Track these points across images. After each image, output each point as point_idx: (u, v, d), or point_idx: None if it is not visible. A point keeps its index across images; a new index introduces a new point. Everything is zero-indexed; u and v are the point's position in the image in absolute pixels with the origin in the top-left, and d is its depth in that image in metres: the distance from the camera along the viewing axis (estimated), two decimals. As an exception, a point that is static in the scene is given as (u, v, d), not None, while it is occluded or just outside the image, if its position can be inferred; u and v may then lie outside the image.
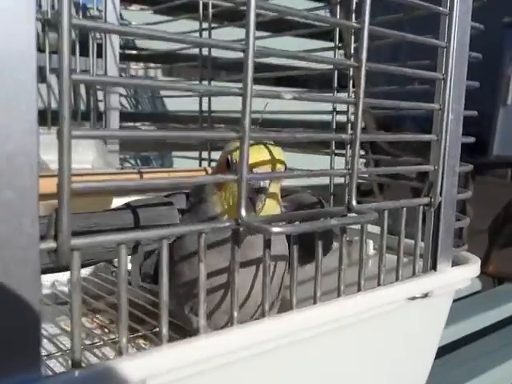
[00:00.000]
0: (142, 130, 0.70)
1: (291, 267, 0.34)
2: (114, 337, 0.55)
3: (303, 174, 0.32)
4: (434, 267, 0.42)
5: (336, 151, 0.60)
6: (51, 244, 0.23)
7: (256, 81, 0.27)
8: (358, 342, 0.39)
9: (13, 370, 0.22)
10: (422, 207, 0.41)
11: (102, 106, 0.83)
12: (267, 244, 0.30)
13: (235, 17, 0.74)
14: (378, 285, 0.39)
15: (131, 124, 0.85)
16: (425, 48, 0.39)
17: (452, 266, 0.43)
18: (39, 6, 0.75)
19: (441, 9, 0.38)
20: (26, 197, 0.21)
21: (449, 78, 0.39)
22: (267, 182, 0.36)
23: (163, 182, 0.24)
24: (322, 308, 0.34)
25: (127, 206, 0.41)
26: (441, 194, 0.41)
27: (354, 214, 0.34)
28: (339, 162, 0.59)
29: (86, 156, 0.77)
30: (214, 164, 0.73)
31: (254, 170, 0.37)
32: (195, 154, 0.75)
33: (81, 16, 0.80)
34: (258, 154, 0.37)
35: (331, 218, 0.30)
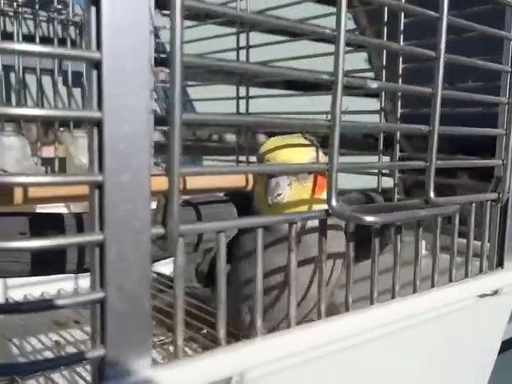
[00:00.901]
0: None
1: (372, 262, 0.33)
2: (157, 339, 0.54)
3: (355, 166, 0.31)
4: (500, 264, 0.42)
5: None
6: (160, 230, 0.22)
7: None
8: (430, 338, 0.38)
9: (127, 356, 0.21)
10: (489, 203, 0.40)
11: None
12: (351, 235, 0.29)
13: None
14: (450, 281, 0.38)
15: (163, 128, 0.84)
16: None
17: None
18: (73, 10, 0.75)
19: (505, 33, 0.38)
20: (140, 179, 0.21)
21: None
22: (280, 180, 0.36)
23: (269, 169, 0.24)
24: (400, 303, 0.33)
25: (187, 202, 0.41)
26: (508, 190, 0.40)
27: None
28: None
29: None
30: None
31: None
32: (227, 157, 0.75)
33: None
34: (281, 152, 0.37)
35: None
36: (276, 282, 0.41)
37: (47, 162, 0.76)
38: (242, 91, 0.72)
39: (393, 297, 0.34)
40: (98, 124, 0.20)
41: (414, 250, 0.35)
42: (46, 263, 0.34)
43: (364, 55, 1.26)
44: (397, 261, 0.34)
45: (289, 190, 0.37)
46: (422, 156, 0.49)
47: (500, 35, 0.38)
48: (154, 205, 0.22)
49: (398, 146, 0.53)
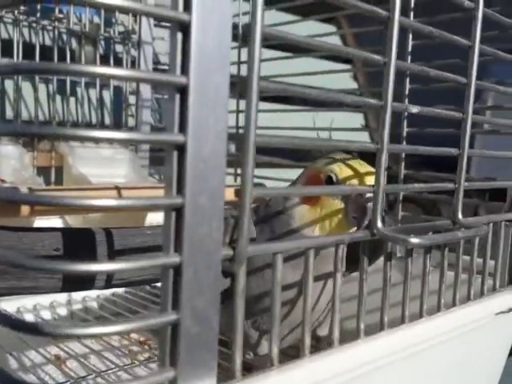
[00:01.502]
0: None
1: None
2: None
3: (418, 187, 0.32)
4: (511, 283, 0.43)
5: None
6: (229, 251, 0.22)
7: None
8: (447, 356, 0.39)
9: (196, 377, 0.21)
10: (503, 223, 0.42)
11: (130, 120, 0.83)
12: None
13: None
14: (468, 299, 0.39)
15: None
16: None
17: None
18: (79, 19, 0.75)
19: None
20: (216, 199, 0.21)
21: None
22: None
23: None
24: (428, 322, 0.34)
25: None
26: (519, 211, 0.42)
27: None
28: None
29: (119, 170, 0.76)
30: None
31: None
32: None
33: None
34: (361, 168, 0.38)
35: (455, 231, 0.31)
36: (284, 298, 0.41)
37: (43, 172, 0.75)
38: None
39: (420, 316, 0.35)
40: (180, 147, 0.20)
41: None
42: (77, 280, 0.34)
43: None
44: (425, 281, 0.35)
45: None
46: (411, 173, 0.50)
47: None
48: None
49: (403, 163, 0.55)
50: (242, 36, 0.71)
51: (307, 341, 0.28)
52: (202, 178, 0.21)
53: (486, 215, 0.39)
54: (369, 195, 0.35)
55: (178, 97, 0.20)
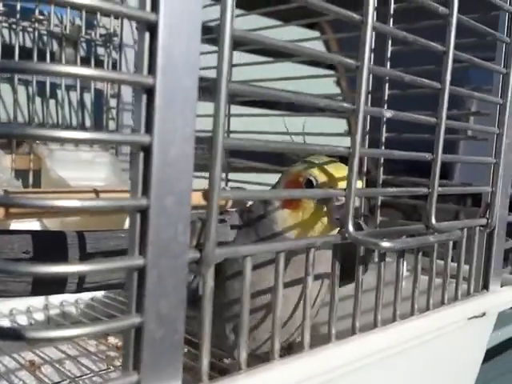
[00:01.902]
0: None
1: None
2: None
3: (398, 191, 0.32)
4: (485, 287, 0.43)
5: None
6: (196, 254, 0.22)
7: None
8: (418, 361, 0.39)
9: (160, 380, 0.21)
10: (477, 228, 0.42)
11: (111, 123, 0.83)
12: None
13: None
14: (442, 304, 0.39)
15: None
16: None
17: (498, 286, 0.44)
18: (60, 21, 0.74)
19: (504, 37, 0.40)
20: (182, 203, 0.21)
21: (508, 103, 0.41)
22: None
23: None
24: (403, 325, 0.34)
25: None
26: (493, 216, 0.42)
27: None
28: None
29: (99, 173, 0.76)
30: (231, 184, 0.73)
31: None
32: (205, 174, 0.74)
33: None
34: (340, 170, 0.37)
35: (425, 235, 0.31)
36: (262, 302, 0.41)
37: (21, 175, 0.74)
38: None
39: (393, 320, 0.35)
40: (146, 148, 0.20)
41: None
42: (47, 283, 0.33)
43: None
44: (398, 284, 0.35)
45: None
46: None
47: (499, 39, 0.40)
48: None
49: (381, 169, 0.55)
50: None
51: (276, 345, 0.28)
52: (168, 180, 0.21)
53: (461, 220, 0.39)
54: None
55: (144, 97, 0.20)
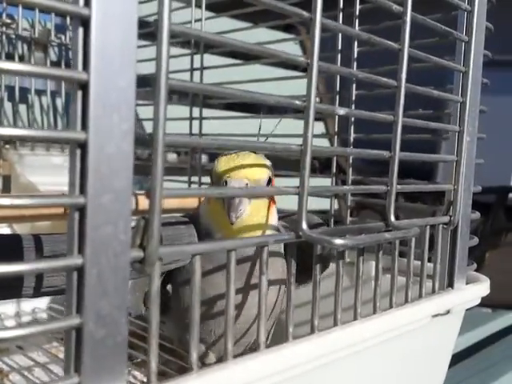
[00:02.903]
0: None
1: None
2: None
3: (321, 189, 0.32)
4: (450, 285, 0.44)
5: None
6: (139, 253, 0.22)
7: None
8: (383, 359, 0.39)
9: (102, 382, 0.21)
10: (440, 226, 0.42)
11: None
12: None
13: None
14: (406, 302, 0.39)
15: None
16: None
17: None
18: (31, 25, 0.74)
19: (462, 36, 0.40)
20: (122, 201, 0.21)
21: (468, 102, 0.41)
22: (243, 198, 0.36)
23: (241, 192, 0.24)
24: (363, 323, 0.34)
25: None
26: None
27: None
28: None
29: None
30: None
31: (229, 181, 0.37)
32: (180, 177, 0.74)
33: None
34: (234, 164, 0.37)
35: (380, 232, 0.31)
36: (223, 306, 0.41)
37: (-11, 180, 0.73)
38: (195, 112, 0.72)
39: (355, 318, 0.35)
40: (82, 145, 0.20)
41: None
42: (2, 287, 0.33)
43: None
44: (359, 283, 0.35)
45: (249, 206, 0.37)
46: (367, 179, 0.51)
47: (458, 38, 0.40)
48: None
49: (350, 169, 0.55)
50: (193, 43, 0.71)
51: (229, 346, 0.27)
52: (105, 177, 0.20)
53: (422, 218, 0.39)
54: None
55: (79, 94, 0.20)
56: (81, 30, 0.20)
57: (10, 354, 0.57)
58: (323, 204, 0.57)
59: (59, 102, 0.81)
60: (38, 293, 0.35)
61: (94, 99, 0.20)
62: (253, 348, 0.49)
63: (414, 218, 0.38)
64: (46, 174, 0.72)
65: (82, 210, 0.20)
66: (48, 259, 0.32)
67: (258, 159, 0.38)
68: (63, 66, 0.79)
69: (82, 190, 0.20)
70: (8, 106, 0.77)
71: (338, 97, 0.56)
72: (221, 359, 0.44)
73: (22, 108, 0.79)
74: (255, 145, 0.26)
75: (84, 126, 0.20)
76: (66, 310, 0.21)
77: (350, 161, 0.53)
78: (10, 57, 0.74)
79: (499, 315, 1.00)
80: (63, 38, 0.79)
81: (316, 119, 0.27)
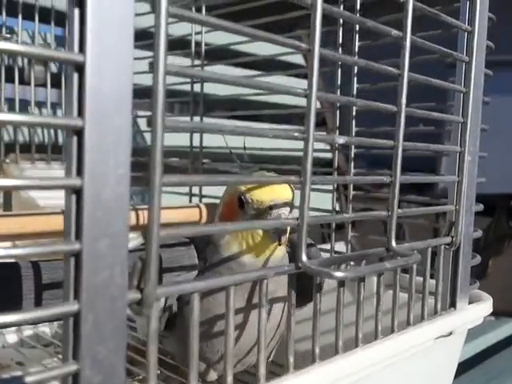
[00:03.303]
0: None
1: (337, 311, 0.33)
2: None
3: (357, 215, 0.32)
4: (453, 305, 0.43)
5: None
6: (137, 294, 0.22)
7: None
8: (387, 383, 0.39)
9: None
10: (442, 246, 0.42)
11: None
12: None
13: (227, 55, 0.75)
14: (408, 324, 0.39)
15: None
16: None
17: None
18: (31, 37, 0.74)
19: (462, 56, 0.40)
20: (118, 245, 0.21)
21: (468, 122, 0.41)
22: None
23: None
24: (365, 351, 0.34)
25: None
26: (458, 234, 0.42)
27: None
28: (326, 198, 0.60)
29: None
30: (205, 200, 0.72)
31: (274, 209, 0.36)
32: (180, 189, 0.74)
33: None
34: (274, 190, 0.36)
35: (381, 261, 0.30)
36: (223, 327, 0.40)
37: (-10, 195, 0.72)
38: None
39: (356, 345, 0.34)
40: (77, 191, 0.20)
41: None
42: None
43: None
44: (360, 309, 0.34)
45: None
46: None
47: (457, 58, 0.40)
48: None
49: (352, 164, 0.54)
50: (193, 54, 0.71)
51: (229, 377, 0.27)
52: (101, 222, 0.20)
53: (423, 240, 0.39)
54: (284, 209, 0.35)
55: (75, 140, 0.20)
56: (75, 76, 0.19)
57: (11, 370, 0.57)
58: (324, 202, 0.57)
59: (60, 114, 0.81)
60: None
61: (90, 145, 0.19)
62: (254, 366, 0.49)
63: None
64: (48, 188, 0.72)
65: (77, 255, 0.20)
66: (47, 288, 0.32)
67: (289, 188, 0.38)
68: (63, 79, 0.78)
69: (78, 236, 0.20)
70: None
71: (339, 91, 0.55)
72: (222, 378, 0.45)
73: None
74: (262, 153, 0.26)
75: (79, 172, 0.20)
76: (63, 356, 0.21)
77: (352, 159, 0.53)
78: (9, 70, 0.74)
79: (503, 323, 0.99)
80: (63, 50, 0.79)
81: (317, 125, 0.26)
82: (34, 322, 0.32)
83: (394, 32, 0.33)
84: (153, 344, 0.23)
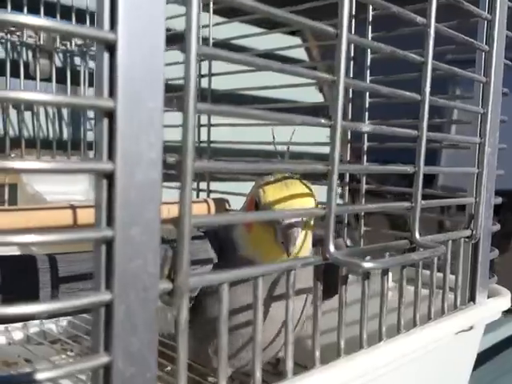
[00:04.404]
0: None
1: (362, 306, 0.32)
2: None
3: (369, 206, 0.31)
4: (472, 299, 0.43)
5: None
6: (168, 285, 0.21)
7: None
8: (409, 377, 0.38)
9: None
10: (462, 239, 0.41)
11: (90, 134, 0.81)
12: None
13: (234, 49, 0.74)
14: (429, 319, 0.38)
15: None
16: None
17: (485, 297, 0.43)
18: (35, 32, 0.73)
19: (482, 45, 0.39)
20: (151, 232, 0.20)
21: (489, 112, 0.40)
22: (299, 228, 0.35)
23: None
24: (389, 345, 0.33)
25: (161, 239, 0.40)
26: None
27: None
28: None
29: (78, 187, 0.74)
30: (213, 195, 0.72)
31: (287, 220, 0.35)
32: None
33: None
34: (290, 203, 0.36)
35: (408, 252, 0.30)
36: (243, 320, 0.40)
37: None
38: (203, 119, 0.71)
39: (380, 339, 0.34)
40: (109, 175, 0.19)
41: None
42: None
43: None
44: (383, 302, 0.34)
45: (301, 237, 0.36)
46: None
47: (478, 47, 0.39)
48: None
49: (364, 178, 0.54)
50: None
51: (258, 374, 0.26)
52: (134, 209, 0.19)
53: (444, 233, 0.38)
54: (294, 220, 0.34)
55: (106, 122, 0.19)
56: (106, 56, 0.19)
57: (19, 368, 0.57)
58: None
59: (65, 109, 0.80)
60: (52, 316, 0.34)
61: (122, 127, 0.19)
62: (271, 362, 0.49)
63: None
64: (53, 183, 0.71)
65: (109, 243, 0.19)
66: (63, 281, 0.31)
67: (304, 187, 0.37)
68: (68, 73, 0.78)
69: (109, 223, 0.19)
70: (13, 112, 0.76)
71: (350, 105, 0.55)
72: (238, 371, 0.44)
73: (27, 115, 0.78)
74: (282, 166, 0.25)
75: (111, 155, 0.19)
76: (93, 348, 0.20)
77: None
78: (14, 64, 0.73)
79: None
80: (68, 44, 0.78)
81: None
82: (65, 314, 0.31)
83: (419, 19, 0.32)
84: (183, 336, 0.22)
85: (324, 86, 1.31)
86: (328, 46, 0.72)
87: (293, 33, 1.27)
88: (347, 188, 0.54)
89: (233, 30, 0.70)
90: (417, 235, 0.34)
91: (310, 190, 0.37)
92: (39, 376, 0.18)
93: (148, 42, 0.19)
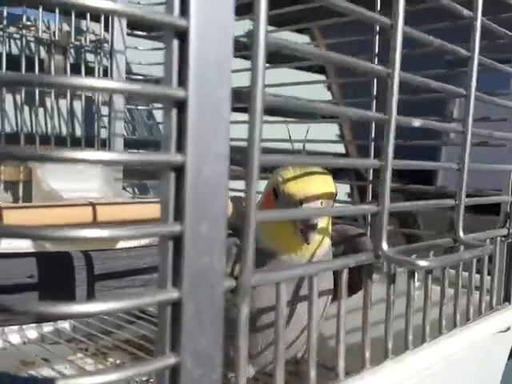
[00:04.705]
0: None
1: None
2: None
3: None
4: (507, 299, 0.42)
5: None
6: (232, 282, 0.20)
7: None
8: (446, 379, 0.37)
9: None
10: (498, 238, 0.41)
11: (103, 132, 0.80)
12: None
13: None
14: (467, 320, 0.38)
15: (135, 151, 0.81)
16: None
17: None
18: (47, 27, 0.72)
19: None
20: (218, 228, 0.19)
21: (526, 109, 0.40)
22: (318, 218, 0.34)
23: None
24: (430, 349, 0.32)
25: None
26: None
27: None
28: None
29: (92, 184, 0.73)
30: (231, 193, 0.71)
31: (305, 203, 0.35)
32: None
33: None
34: (308, 184, 0.35)
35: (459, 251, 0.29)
36: (267, 322, 0.39)
37: (10, 187, 0.71)
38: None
39: (423, 341, 0.33)
40: (178, 168, 0.18)
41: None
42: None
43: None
44: (427, 304, 0.33)
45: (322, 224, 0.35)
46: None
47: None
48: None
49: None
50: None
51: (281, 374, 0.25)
52: (202, 202, 0.18)
53: (484, 231, 0.37)
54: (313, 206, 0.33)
55: (175, 112, 0.18)
56: (176, 43, 0.18)
57: (36, 367, 0.56)
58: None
59: (78, 106, 0.79)
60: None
61: (193, 118, 0.18)
62: (293, 362, 0.48)
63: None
64: (68, 180, 0.70)
65: (177, 239, 0.18)
66: (99, 279, 0.30)
67: (326, 177, 0.36)
68: (83, 69, 0.77)
69: (177, 218, 0.18)
70: (26, 110, 0.75)
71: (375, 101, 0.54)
72: (261, 371, 0.43)
73: (41, 112, 0.77)
74: (332, 161, 0.24)
75: (180, 148, 0.18)
76: (158, 349, 0.19)
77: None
78: (29, 60, 0.72)
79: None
80: (82, 40, 0.77)
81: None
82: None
83: (466, 12, 0.32)
84: (244, 334, 0.21)
85: (332, 85, 1.30)
86: (334, 44, 0.72)
87: (300, 31, 1.26)
88: (356, 186, 0.54)
89: (241, 27, 0.70)
90: (461, 233, 0.33)
91: (332, 181, 0.36)
92: (104, 378, 0.17)
93: (218, 28, 0.18)
